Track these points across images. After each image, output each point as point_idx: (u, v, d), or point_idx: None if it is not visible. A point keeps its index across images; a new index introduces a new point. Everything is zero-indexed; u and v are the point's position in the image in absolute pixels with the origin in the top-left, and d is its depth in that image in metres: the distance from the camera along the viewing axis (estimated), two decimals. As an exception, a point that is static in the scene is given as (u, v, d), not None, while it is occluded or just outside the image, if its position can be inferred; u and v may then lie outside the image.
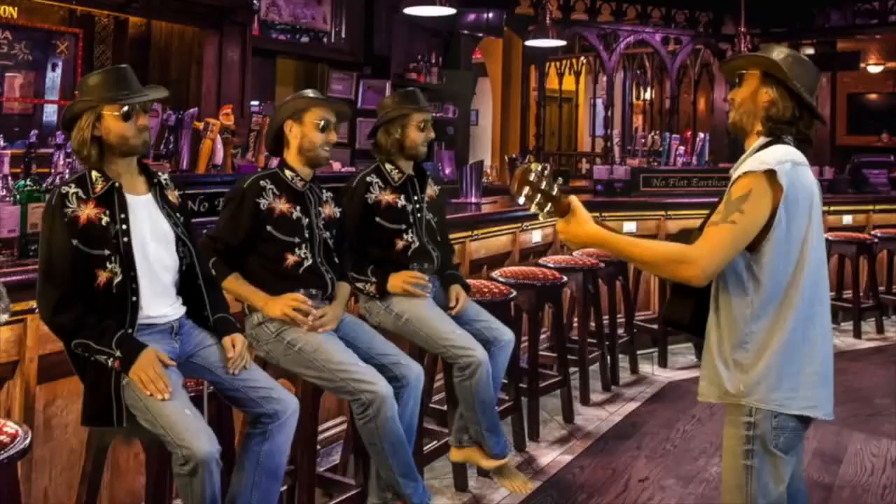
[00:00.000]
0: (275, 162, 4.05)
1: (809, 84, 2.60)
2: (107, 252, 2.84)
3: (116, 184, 2.90)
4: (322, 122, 3.53)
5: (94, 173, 2.89)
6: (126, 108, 2.89)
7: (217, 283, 3.32)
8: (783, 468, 2.51)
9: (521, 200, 2.55)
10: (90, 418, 2.86)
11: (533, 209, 2.57)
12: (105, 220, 2.85)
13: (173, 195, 3.10)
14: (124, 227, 2.87)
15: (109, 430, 2.89)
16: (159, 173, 3.12)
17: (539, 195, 2.53)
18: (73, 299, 2.80)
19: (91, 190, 2.86)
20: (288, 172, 3.55)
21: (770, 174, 2.43)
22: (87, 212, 2.83)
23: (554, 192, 2.54)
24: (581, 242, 2.59)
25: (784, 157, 2.49)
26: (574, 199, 2.58)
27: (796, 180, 2.48)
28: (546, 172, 2.55)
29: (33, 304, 3.06)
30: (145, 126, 2.94)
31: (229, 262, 3.45)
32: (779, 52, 2.63)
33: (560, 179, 2.62)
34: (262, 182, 3.49)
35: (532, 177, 2.53)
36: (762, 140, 2.60)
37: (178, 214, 3.08)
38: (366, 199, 3.93)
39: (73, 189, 2.85)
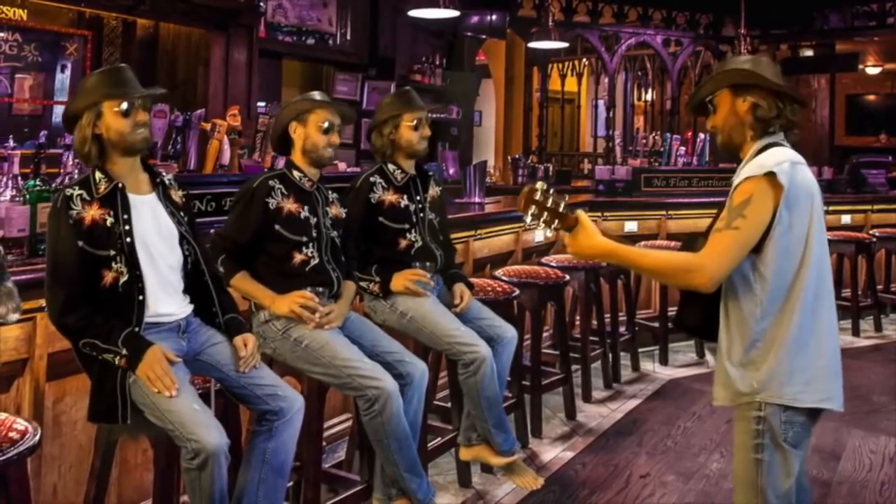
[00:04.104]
0: (281, 162, 4.09)
1: (775, 75, 2.66)
2: (112, 252, 2.85)
3: (119, 184, 2.91)
4: (326, 124, 3.55)
5: (98, 174, 2.91)
6: (125, 105, 2.90)
7: (225, 284, 3.34)
8: (793, 462, 2.54)
9: (529, 220, 2.61)
10: (96, 415, 2.89)
11: (541, 227, 2.62)
12: (109, 220, 2.86)
13: (177, 195, 3.12)
14: (127, 227, 2.89)
15: (116, 426, 2.91)
16: (163, 173, 3.15)
17: (546, 213, 2.60)
18: (79, 300, 2.82)
19: (95, 191, 2.88)
20: (296, 173, 3.57)
21: (770, 176, 2.48)
22: (92, 213, 2.84)
23: (560, 209, 2.60)
24: (590, 255, 2.66)
25: (782, 157, 2.53)
26: (581, 214, 2.63)
27: (796, 178, 2.52)
28: (551, 190, 2.60)
29: (43, 302, 3.07)
30: (144, 122, 2.94)
31: (238, 261, 3.47)
32: (730, 62, 2.76)
33: (566, 197, 2.66)
34: (271, 182, 3.51)
35: (538, 195, 2.59)
36: (758, 145, 2.63)
37: (181, 213, 3.10)
38: (369, 199, 3.96)
39: (77, 191, 2.86)
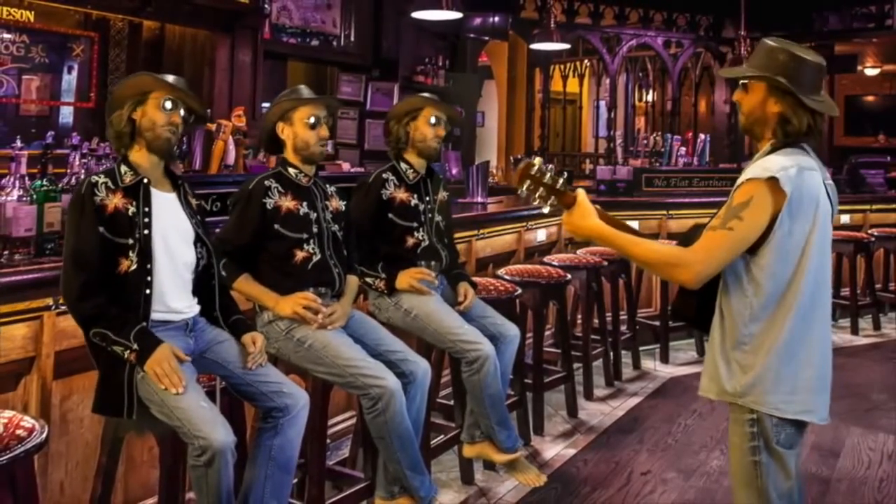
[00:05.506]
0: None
1: (814, 83, 2.58)
2: (130, 241, 2.90)
3: (145, 179, 2.98)
4: (312, 119, 3.55)
5: (124, 167, 2.98)
6: (169, 101, 2.99)
7: (228, 287, 3.37)
8: (789, 462, 2.53)
9: (524, 194, 2.61)
10: (102, 407, 2.91)
11: (536, 202, 2.61)
12: (131, 210, 2.92)
13: (193, 201, 3.18)
14: (146, 219, 2.94)
15: (122, 422, 2.93)
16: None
17: (541, 188, 2.59)
18: (96, 287, 2.84)
19: (120, 181, 2.95)
20: (291, 170, 3.58)
21: (772, 181, 2.43)
22: (115, 201, 2.90)
23: (558, 186, 2.59)
24: (583, 235, 2.63)
25: (789, 162, 2.47)
26: (580, 193, 2.62)
27: (801, 185, 2.45)
28: (548, 167, 2.59)
29: (49, 301, 3.13)
30: (176, 124, 3.01)
31: (239, 263, 3.48)
32: (779, 53, 2.58)
33: (564, 174, 2.66)
34: (266, 182, 3.52)
35: (534, 171, 2.59)
36: (770, 146, 2.59)
37: (198, 217, 3.16)
38: (381, 195, 3.99)
39: (102, 179, 2.93)
